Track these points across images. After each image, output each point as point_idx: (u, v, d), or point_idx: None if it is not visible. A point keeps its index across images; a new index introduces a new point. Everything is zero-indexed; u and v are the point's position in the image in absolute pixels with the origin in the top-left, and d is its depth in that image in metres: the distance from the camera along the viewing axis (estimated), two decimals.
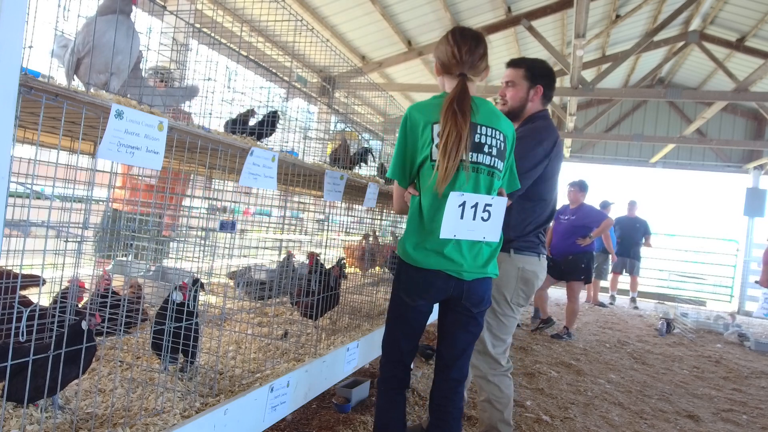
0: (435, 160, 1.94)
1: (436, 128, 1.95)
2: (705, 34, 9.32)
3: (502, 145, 2.05)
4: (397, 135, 2.09)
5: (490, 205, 1.99)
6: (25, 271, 2.21)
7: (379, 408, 2.21)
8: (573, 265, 6.10)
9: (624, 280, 9.94)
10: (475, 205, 1.96)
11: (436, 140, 1.94)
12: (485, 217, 1.98)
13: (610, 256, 9.17)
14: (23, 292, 2.18)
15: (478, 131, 1.98)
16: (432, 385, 2.21)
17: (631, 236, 9.40)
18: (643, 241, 9.52)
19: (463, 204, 1.93)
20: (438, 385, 2.16)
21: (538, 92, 2.62)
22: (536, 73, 2.61)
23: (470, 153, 1.95)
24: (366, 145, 3.78)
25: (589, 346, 5.87)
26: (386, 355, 2.21)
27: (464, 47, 2.01)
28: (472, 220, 1.96)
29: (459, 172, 1.94)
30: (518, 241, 2.57)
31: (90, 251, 2.74)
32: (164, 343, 2.05)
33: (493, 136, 2.02)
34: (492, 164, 2.02)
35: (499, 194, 2.07)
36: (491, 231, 2.02)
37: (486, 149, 2.00)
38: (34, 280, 2.07)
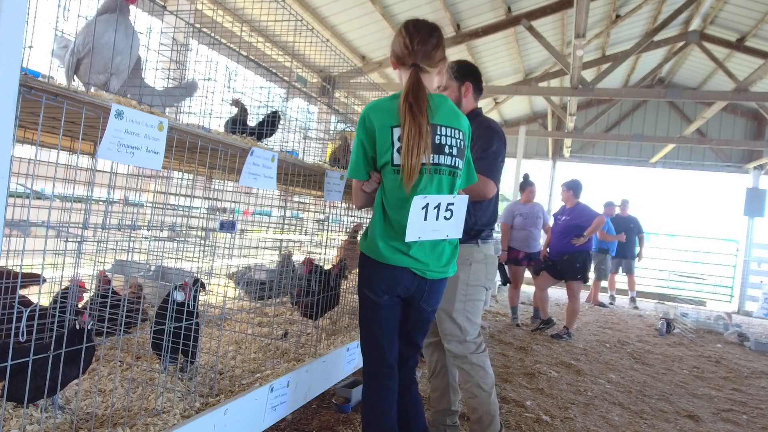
0: (397, 165, 1.94)
1: (396, 132, 1.93)
2: (705, 34, 9.33)
3: (462, 143, 2.07)
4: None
5: (452, 203, 2.02)
6: (25, 271, 2.21)
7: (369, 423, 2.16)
8: (569, 265, 6.11)
9: (622, 280, 9.93)
10: (438, 206, 1.99)
11: (397, 144, 1.93)
12: (447, 216, 2.03)
13: (610, 256, 9.15)
14: (24, 291, 2.18)
15: (438, 132, 1.99)
16: None
17: (627, 236, 9.39)
18: (638, 242, 9.50)
19: (426, 206, 1.96)
20: (402, 371, 2.21)
21: (468, 88, 2.77)
22: (462, 72, 2.75)
23: (431, 155, 1.96)
24: None
25: (589, 346, 5.87)
26: (371, 366, 2.15)
27: (416, 37, 1.99)
28: (435, 220, 1.99)
29: (421, 174, 1.94)
30: (485, 231, 2.77)
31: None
32: (164, 343, 2.06)
33: (453, 135, 2.03)
34: (453, 164, 2.03)
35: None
36: (454, 229, 2.07)
37: (447, 150, 2.01)
38: (35, 279, 2.07)
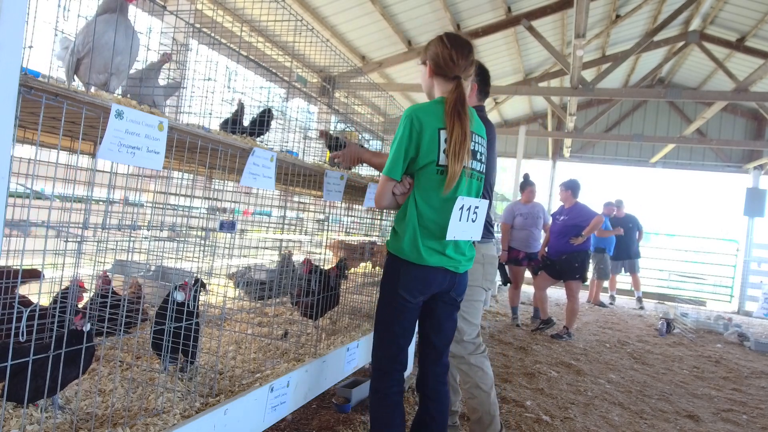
0: (441, 166, 2.02)
1: (443, 134, 2.02)
2: (705, 34, 9.32)
3: (486, 151, 2.24)
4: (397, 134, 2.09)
5: (477, 207, 2.14)
6: (24, 268, 2.21)
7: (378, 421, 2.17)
8: (567, 265, 6.11)
9: (624, 280, 9.90)
10: (470, 208, 2.10)
11: (444, 146, 2.01)
12: (474, 219, 2.14)
13: (609, 255, 9.12)
14: (24, 290, 2.18)
15: (473, 139, 2.11)
16: (422, 375, 2.27)
17: (627, 237, 9.34)
18: (638, 236, 9.47)
19: (462, 207, 2.06)
20: (433, 371, 2.25)
21: (473, 89, 2.80)
22: None
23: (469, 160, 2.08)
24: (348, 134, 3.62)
25: (589, 346, 5.87)
26: (383, 362, 2.17)
27: (461, 52, 2.10)
28: (466, 221, 2.10)
29: (461, 177, 2.04)
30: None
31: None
32: (164, 343, 2.06)
33: (481, 143, 2.19)
34: (481, 170, 2.20)
35: None
36: (477, 231, 2.19)
37: (478, 156, 2.16)
38: (34, 275, 2.07)
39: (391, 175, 2.07)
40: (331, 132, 3.35)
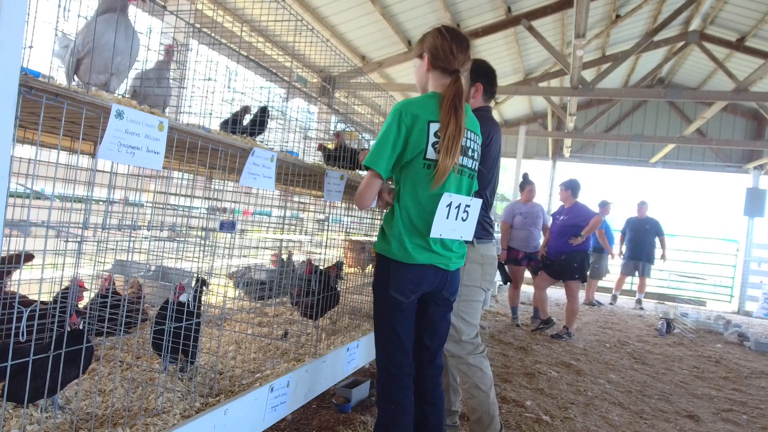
0: (429, 159, 1.98)
1: (433, 127, 1.97)
2: (705, 34, 9.32)
3: (479, 148, 2.20)
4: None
5: (468, 206, 2.10)
6: (25, 271, 2.21)
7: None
8: (567, 265, 6.10)
9: (629, 281, 9.85)
10: (459, 206, 2.05)
11: (432, 139, 1.97)
12: (464, 218, 2.10)
13: (607, 255, 9.08)
14: (23, 287, 2.18)
15: (466, 135, 2.06)
16: (416, 377, 2.24)
17: (642, 238, 9.24)
18: (657, 242, 9.31)
19: (450, 204, 2.02)
20: (428, 372, 2.25)
21: (478, 90, 2.77)
22: (475, 72, 2.72)
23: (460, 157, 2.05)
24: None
25: (589, 346, 5.87)
26: (389, 365, 2.12)
27: (460, 46, 2.06)
28: (454, 220, 2.06)
29: (450, 173, 2.00)
30: (479, 231, 2.71)
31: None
32: (164, 343, 2.06)
33: (474, 140, 2.14)
34: (473, 167, 2.15)
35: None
36: (467, 230, 2.15)
37: (470, 153, 2.11)
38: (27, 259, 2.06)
39: (374, 167, 1.98)
40: (327, 144, 3.35)
